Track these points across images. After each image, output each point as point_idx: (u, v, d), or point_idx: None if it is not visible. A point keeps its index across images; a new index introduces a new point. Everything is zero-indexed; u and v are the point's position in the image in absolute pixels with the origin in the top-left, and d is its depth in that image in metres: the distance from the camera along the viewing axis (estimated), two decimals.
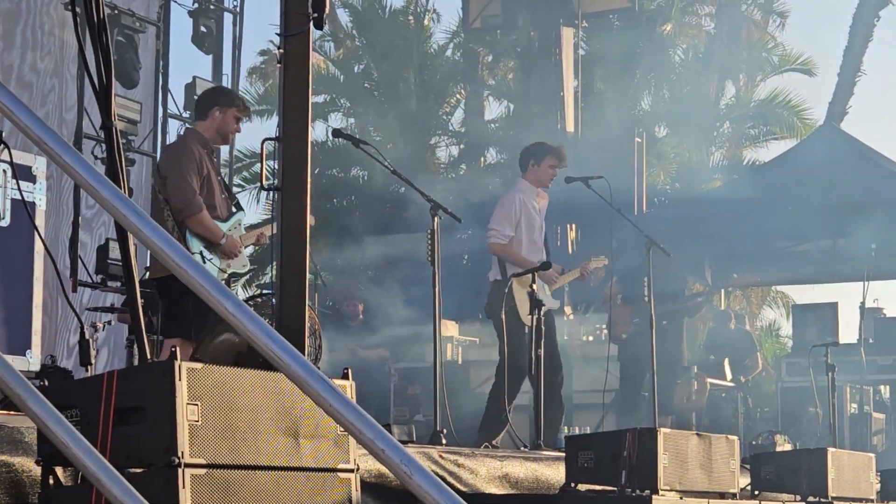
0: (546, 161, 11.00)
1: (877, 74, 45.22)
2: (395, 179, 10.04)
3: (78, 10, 4.83)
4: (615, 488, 6.84)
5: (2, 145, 6.24)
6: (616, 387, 13.94)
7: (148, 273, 9.31)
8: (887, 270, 17.72)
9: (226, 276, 8.72)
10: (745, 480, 8.63)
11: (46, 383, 6.56)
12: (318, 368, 3.24)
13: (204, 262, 8.35)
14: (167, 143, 14.17)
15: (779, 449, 12.89)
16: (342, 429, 3.69)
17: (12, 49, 12.78)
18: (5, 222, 7.35)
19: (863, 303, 15.78)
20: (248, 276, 24.31)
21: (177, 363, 4.25)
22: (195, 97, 14.03)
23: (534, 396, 9.88)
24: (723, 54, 26.42)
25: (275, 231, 5.97)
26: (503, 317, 10.30)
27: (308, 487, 4.73)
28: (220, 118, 8.78)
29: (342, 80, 26.75)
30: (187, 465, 4.21)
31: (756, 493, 8.72)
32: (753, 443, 13.54)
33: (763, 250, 18.42)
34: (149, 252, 8.32)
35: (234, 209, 8.91)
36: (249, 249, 9.29)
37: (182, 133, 10.65)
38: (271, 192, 6.24)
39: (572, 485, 7.12)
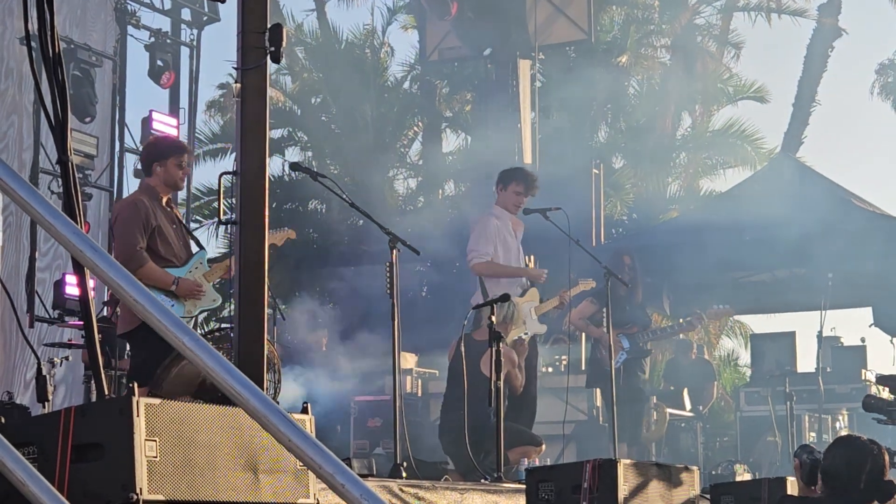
0: (511, 186, 11.00)
1: (831, 104, 45.45)
2: (354, 212, 10.01)
3: (33, 44, 4.81)
4: None
5: None
6: (575, 418, 13.94)
7: (106, 309, 9.26)
8: (844, 299, 17.78)
9: (193, 316, 8.66)
10: None
11: (3, 420, 6.51)
12: (278, 402, 3.23)
13: None
14: (124, 176, 14.16)
15: (738, 478, 12.91)
16: (302, 463, 3.67)
17: None
18: None
19: (820, 332, 15.82)
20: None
21: (134, 399, 4.22)
22: (151, 132, 14.03)
23: (494, 427, 9.80)
24: (678, 85, 26.53)
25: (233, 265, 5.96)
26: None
27: None
28: (162, 172, 8.73)
29: (299, 113, 26.73)
30: (146, 502, 4.18)
31: None
32: (713, 472, 13.56)
33: (720, 280, 18.46)
34: (106, 288, 8.28)
35: (194, 251, 8.83)
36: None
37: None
38: (229, 227, 6.22)
39: None
